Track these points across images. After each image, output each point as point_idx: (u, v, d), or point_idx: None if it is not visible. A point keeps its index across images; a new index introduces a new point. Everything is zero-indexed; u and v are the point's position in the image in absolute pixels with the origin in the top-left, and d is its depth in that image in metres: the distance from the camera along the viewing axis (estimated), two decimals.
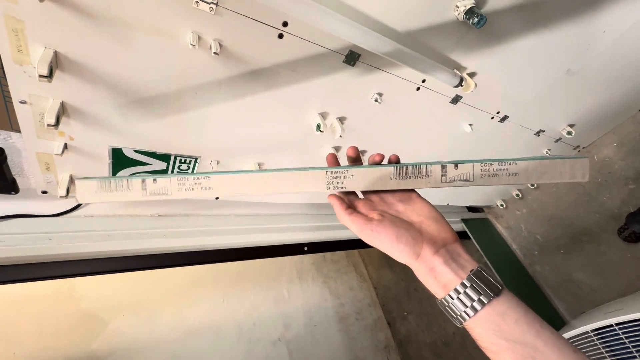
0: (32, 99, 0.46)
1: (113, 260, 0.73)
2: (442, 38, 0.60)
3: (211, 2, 0.43)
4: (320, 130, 0.66)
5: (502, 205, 1.42)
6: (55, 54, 0.42)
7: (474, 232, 1.35)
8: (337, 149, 0.79)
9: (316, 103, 0.66)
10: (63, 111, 0.49)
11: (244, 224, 0.96)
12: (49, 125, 0.45)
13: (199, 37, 0.47)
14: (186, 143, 0.63)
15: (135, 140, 0.59)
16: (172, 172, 0.68)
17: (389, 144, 0.84)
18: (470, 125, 0.86)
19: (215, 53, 0.47)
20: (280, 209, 1.06)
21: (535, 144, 1.07)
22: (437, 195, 1.16)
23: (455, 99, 0.76)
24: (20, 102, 0.46)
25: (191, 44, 0.45)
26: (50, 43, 0.42)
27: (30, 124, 0.49)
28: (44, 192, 0.62)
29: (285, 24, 0.50)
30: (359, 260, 1.88)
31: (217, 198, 0.76)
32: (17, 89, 0.45)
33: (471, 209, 1.53)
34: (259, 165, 0.75)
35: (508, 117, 0.89)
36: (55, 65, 0.43)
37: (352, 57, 0.59)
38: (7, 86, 0.44)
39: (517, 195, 1.38)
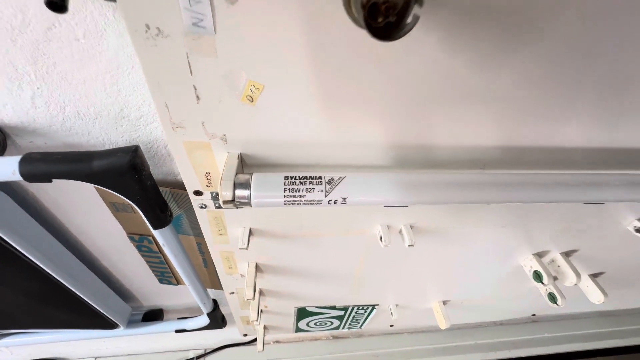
0: (238, 290, 0.50)
1: None
2: None
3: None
4: (542, 282, 0.47)
5: None
6: (256, 265, 0.43)
7: None
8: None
9: (532, 245, 0.48)
10: (260, 294, 0.51)
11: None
12: (253, 320, 0.47)
13: (388, 227, 0.39)
14: (365, 296, 0.57)
15: (318, 301, 0.57)
16: (349, 317, 0.63)
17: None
18: None
19: (410, 245, 0.38)
20: None
21: None
22: None
23: None
24: (230, 294, 0.50)
25: (382, 241, 0.38)
26: (252, 259, 0.43)
27: (237, 303, 0.54)
28: (245, 335, 0.68)
29: None
30: None
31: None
32: (227, 286, 0.49)
33: None
34: (444, 302, 0.62)
35: None
36: (255, 272, 0.44)
37: None
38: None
39: None
